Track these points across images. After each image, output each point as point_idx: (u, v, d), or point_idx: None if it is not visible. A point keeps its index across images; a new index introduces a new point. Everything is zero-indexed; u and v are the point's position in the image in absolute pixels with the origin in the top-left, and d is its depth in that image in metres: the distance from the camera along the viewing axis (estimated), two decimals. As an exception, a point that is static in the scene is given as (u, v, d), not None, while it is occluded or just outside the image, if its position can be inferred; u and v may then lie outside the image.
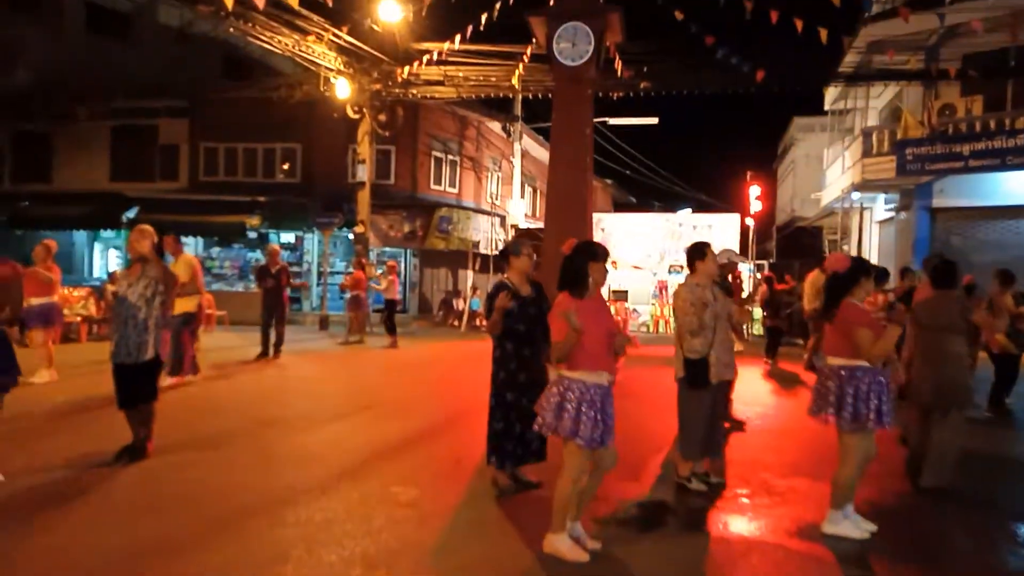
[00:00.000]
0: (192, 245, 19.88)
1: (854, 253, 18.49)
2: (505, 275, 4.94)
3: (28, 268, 8.22)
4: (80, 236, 20.77)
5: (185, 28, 24.03)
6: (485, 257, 21.19)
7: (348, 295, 14.72)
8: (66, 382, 8.56)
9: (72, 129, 21.21)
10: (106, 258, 21.54)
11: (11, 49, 21.38)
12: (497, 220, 22.26)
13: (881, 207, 18.58)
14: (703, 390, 5.02)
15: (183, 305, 8.20)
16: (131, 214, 17.79)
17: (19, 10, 21.43)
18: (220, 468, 5.32)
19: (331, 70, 15.81)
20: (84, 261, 21.37)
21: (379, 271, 15.35)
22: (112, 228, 18.53)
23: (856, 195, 17.67)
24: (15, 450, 5.60)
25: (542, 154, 24.81)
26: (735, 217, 18.95)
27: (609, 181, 31.22)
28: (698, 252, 5.15)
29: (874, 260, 17.57)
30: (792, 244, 24.33)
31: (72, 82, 20.80)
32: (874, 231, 19.54)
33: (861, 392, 4.14)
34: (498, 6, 12.41)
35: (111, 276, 5.22)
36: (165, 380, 7.83)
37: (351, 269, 16.54)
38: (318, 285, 19.01)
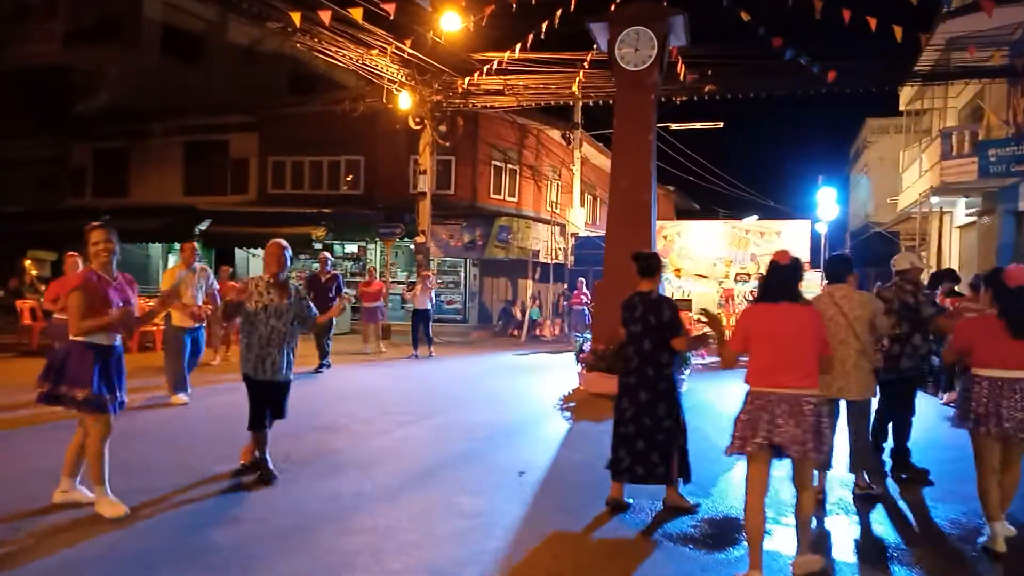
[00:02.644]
0: (261, 256, 20.48)
1: (933, 260, 17.64)
2: (646, 288, 4.87)
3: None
4: (155, 248, 21.63)
5: (254, 46, 24.94)
6: (545, 266, 21.10)
7: (363, 306, 14.60)
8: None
9: (148, 145, 22.22)
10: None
11: (95, 72, 22.60)
12: (557, 229, 22.15)
13: (961, 211, 17.66)
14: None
15: (185, 320, 8.03)
16: (203, 227, 18.42)
17: (102, 35, 22.62)
18: (289, 474, 5.36)
19: (393, 82, 16.05)
20: (159, 272, 22.26)
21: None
22: (185, 241, 19.24)
23: (935, 199, 16.84)
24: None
25: (602, 161, 24.61)
26: (805, 223, 18.32)
27: (671, 188, 30.72)
28: (847, 264, 5.22)
29: (954, 267, 16.71)
30: (867, 251, 23.35)
31: (148, 101, 21.78)
32: (954, 237, 18.59)
33: None
34: (559, 14, 12.36)
35: (239, 288, 4.89)
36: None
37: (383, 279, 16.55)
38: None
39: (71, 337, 4.36)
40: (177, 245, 20.48)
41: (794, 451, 3.54)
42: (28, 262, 16.49)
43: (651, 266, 4.90)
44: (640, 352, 4.76)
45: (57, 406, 4.40)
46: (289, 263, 5.33)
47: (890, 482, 5.51)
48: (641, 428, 4.71)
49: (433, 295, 14.32)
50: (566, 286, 18.41)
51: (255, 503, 4.75)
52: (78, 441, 4.54)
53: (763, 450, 3.61)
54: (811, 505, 3.78)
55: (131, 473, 4.99)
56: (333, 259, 12.23)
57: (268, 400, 5.22)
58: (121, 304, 4.41)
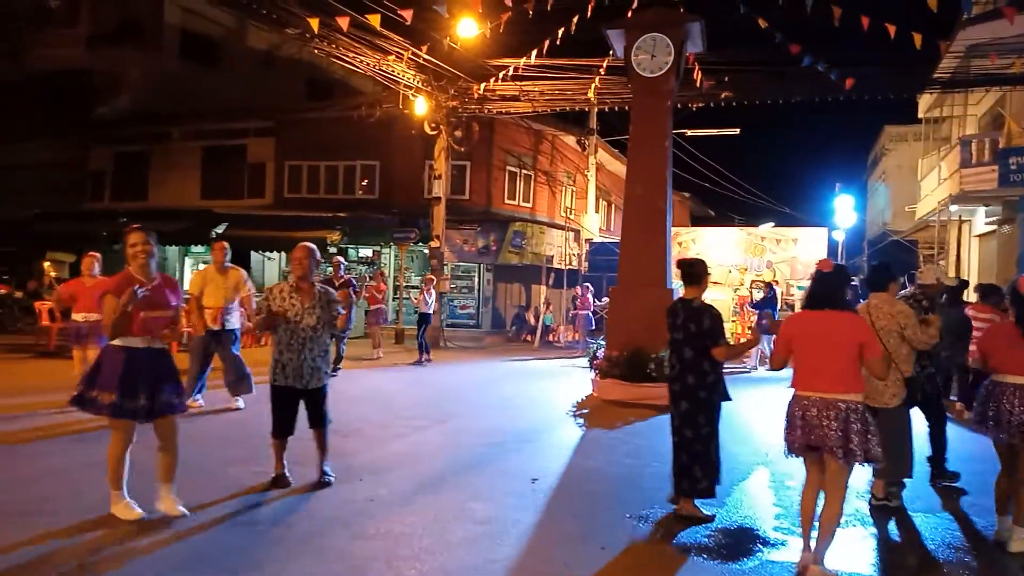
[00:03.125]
0: (277, 260, 20.59)
1: (952, 269, 17.45)
2: (690, 295, 4.87)
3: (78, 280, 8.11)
4: (172, 251, 21.82)
5: (272, 51, 25.16)
6: (559, 272, 21.07)
7: (369, 308, 14.58)
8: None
9: (166, 149, 22.44)
10: (197, 272, 22.55)
11: (116, 75, 22.90)
12: (571, 235, 22.12)
13: (981, 220, 17.46)
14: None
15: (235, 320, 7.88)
16: (220, 230, 18.57)
17: (123, 39, 22.90)
18: (303, 478, 5.37)
19: (410, 88, 16.12)
20: (176, 275, 22.45)
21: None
22: (202, 244, 19.35)
23: (954, 207, 16.67)
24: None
25: (617, 167, 24.55)
26: (822, 231, 18.16)
27: (686, 194, 30.59)
28: (886, 273, 5.19)
29: (973, 276, 16.52)
30: (885, 259, 23.15)
31: (167, 105, 22.03)
32: (973, 246, 18.38)
33: None
34: (575, 20, 12.37)
35: (270, 292, 4.74)
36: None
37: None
38: (394, 299, 19.33)
39: (106, 341, 4.36)
40: (195, 248, 20.72)
41: (825, 452, 3.70)
42: (47, 264, 16.68)
43: (694, 273, 4.91)
44: (681, 360, 4.78)
45: (87, 411, 4.35)
46: (315, 267, 5.23)
47: (919, 491, 5.45)
48: (683, 439, 4.76)
49: (430, 299, 14.05)
50: (578, 289, 18.37)
51: (269, 507, 4.76)
52: (161, 448, 4.47)
53: (807, 451, 3.80)
54: (836, 512, 3.75)
55: (150, 476, 5.01)
56: (347, 263, 12.19)
57: (291, 407, 5.13)
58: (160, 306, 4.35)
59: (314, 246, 5.25)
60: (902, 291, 5.74)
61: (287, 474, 5.22)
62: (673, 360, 4.85)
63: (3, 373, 10.38)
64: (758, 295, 14.96)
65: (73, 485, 5.00)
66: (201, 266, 21.81)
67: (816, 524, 3.80)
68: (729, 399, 4.88)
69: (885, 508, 5.04)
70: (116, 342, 4.29)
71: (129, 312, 4.20)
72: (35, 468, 5.44)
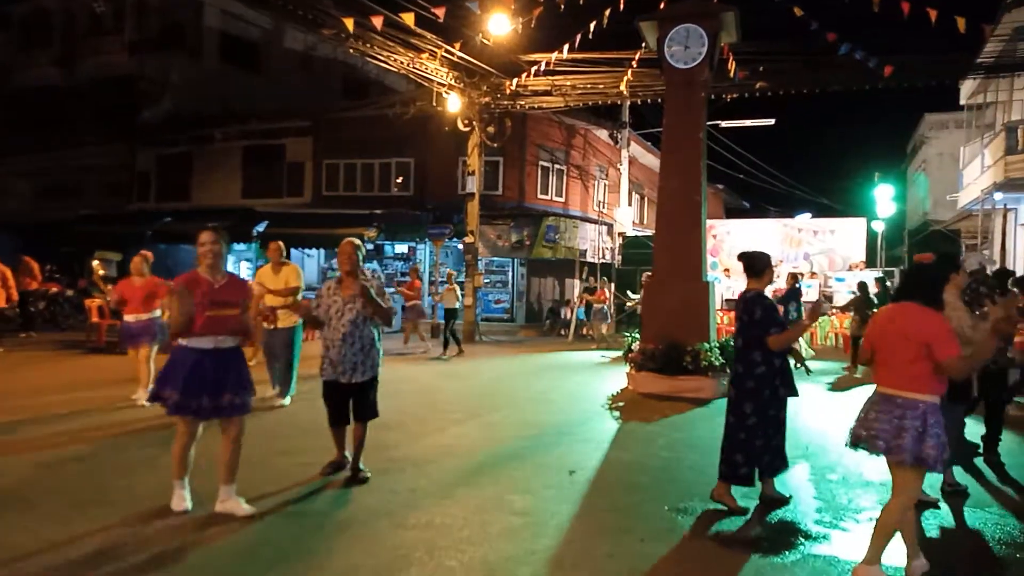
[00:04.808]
0: (316, 257, 20.96)
1: (997, 259, 16.99)
2: (752, 287, 4.95)
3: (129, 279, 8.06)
4: (215, 249, 22.33)
5: (308, 52, 25.56)
6: (592, 265, 21.06)
7: (406, 304, 14.69)
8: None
9: (208, 150, 23.00)
10: (238, 270, 23.06)
11: (160, 79, 23.54)
12: (604, 228, 22.08)
13: (1028, 208, 17.00)
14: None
15: (289, 319, 7.71)
16: (260, 228, 18.96)
17: (166, 44, 23.52)
18: (346, 469, 5.51)
19: (443, 85, 16.25)
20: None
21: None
22: (244, 242, 19.78)
23: (998, 195, 16.23)
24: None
25: (650, 161, 24.42)
26: (861, 221, 17.87)
27: (720, 186, 30.28)
28: (948, 264, 5.09)
29: (1019, 267, 16.07)
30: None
31: (208, 107, 22.56)
32: (1020, 235, 17.87)
33: None
34: (607, 13, 12.34)
35: (324, 289, 4.80)
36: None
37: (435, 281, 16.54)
38: (429, 295, 19.53)
39: (174, 340, 4.44)
40: (237, 246, 21.19)
41: (879, 448, 3.60)
42: (96, 262, 17.19)
43: (754, 265, 4.97)
44: (735, 349, 4.96)
45: (160, 405, 4.47)
46: (362, 262, 5.30)
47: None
48: (727, 425, 4.90)
49: (459, 294, 14.32)
50: (597, 279, 18.49)
51: (314, 497, 4.91)
52: (224, 447, 4.51)
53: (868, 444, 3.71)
54: (895, 515, 3.61)
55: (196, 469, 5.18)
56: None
57: (341, 400, 5.23)
58: (222, 304, 4.38)
59: (359, 241, 5.33)
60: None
61: (348, 457, 5.37)
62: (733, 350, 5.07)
63: (57, 369, 10.79)
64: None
65: (130, 478, 5.23)
66: (243, 263, 22.34)
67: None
68: (795, 394, 4.92)
69: (957, 492, 5.15)
70: (184, 342, 4.36)
71: (191, 312, 4.28)
72: (97, 461, 5.69)
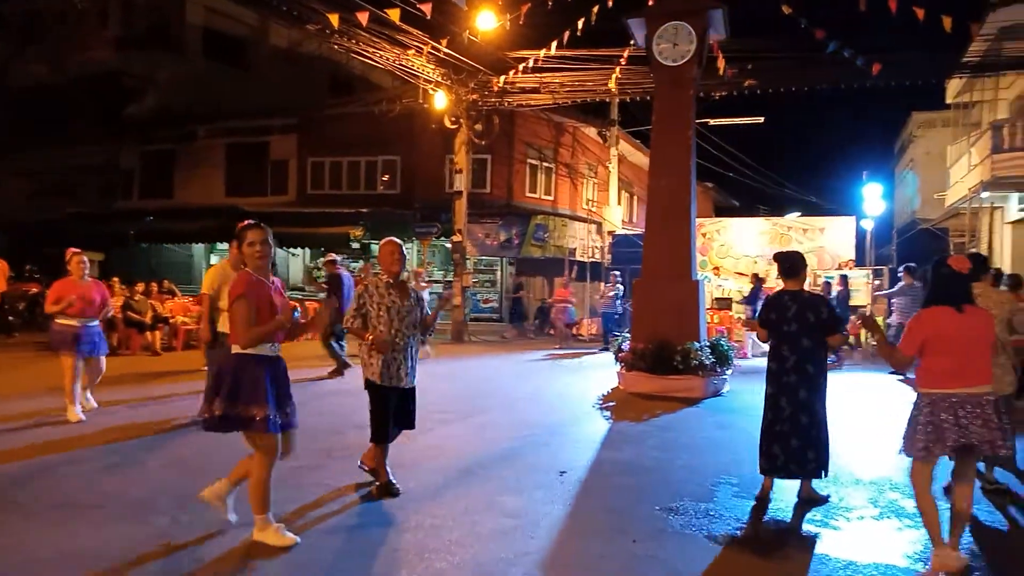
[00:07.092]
0: (300, 256, 20.79)
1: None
2: (794, 288, 4.97)
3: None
4: (198, 248, 22.09)
5: (293, 49, 25.34)
6: (581, 265, 21.01)
7: None
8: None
9: (191, 148, 22.75)
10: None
11: (143, 76, 23.26)
12: (594, 227, 22.04)
13: (1014, 207, 17.09)
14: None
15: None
16: (244, 227, 18.75)
17: (150, 40, 23.24)
18: (332, 471, 5.41)
19: (430, 82, 16.13)
20: (201, 273, 22.73)
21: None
22: (227, 241, 19.59)
23: (985, 194, 16.33)
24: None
25: (639, 159, 24.41)
26: (850, 220, 17.90)
27: (710, 184, 30.31)
28: (980, 263, 5.27)
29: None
30: (914, 248, 22.78)
31: (192, 104, 22.30)
32: (1006, 233, 18.00)
33: None
34: (595, 10, 12.27)
35: (365, 290, 4.58)
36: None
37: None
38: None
39: (235, 350, 3.88)
40: (220, 245, 20.97)
41: (985, 449, 3.67)
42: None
43: (795, 266, 4.98)
44: (799, 350, 4.83)
45: (232, 431, 3.84)
46: (405, 261, 5.09)
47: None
48: (797, 426, 4.83)
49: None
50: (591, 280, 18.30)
51: (301, 501, 4.79)
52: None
53: (951, 453, 3.75)
54: (968, 498, 3.78)
55: (194, 473, 5.09)
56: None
57: (394, 409, 4.94)
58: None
59: (399, 240, 5.09)
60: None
61: (393, 481, 4.99)
62: (784, 352, 4.87)
63: (39, 371, 10.57)
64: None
65: (149, 485, 5.09)
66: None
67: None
68: None
69: (998, 491, 5.16)
70: (251, 351, 3.87)
71: (264, 317, 3.86)
72: (91, 464, 5.54)
